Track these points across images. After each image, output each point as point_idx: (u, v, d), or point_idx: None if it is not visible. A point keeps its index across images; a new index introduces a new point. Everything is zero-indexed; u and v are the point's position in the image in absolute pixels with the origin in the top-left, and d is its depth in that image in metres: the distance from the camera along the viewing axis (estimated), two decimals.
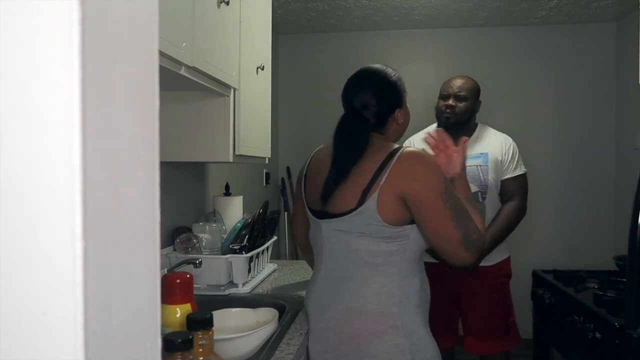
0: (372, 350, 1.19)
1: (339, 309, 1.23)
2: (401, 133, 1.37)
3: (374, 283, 1.21)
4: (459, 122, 2.12)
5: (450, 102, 2.12)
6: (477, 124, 2.23)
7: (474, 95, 2.16)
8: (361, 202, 1.19)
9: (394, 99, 1.30)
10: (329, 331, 1.24)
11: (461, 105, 2.12)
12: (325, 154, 1.34)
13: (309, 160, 1.41)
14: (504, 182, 2.15)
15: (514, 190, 2.15)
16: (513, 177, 2.15)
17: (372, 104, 1.26)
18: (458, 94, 2.12)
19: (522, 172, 2.18)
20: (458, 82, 2.15)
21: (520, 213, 2.15)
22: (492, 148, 2.15)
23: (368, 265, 1.21)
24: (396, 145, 1.25)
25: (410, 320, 1.21)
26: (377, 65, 1.32)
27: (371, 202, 1.17)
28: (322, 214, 1.28)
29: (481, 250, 1.20)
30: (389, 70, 1.31)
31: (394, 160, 1.19)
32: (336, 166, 1.25)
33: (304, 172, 1.40)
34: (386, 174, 1.18)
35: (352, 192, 1.21)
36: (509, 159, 2.15)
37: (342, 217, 1.22)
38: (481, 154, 2.14)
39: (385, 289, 1.21)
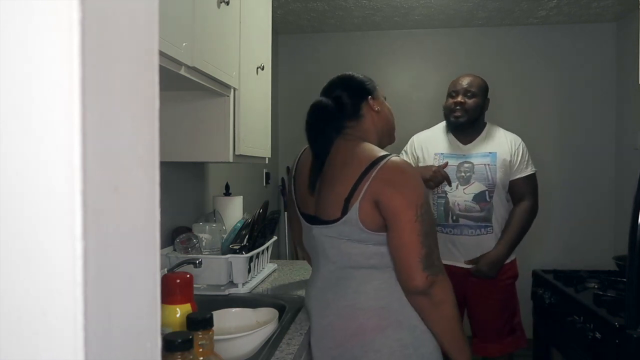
0: (376, 345, 1.20)
1: (343, 306, 1.24)
2: (384, 124, 1.36)
3: (374, 280, 1.22)
4: (469, 120, 2.11)
5: (460, 99, 2.10)
6: (485, 123, 2.21)
7: (482, 92, 2.14)
8: (344, 211, 1.19)
9: (363, 88, 1.34)
10: (333, 328, 1.25)
11: (470, 102, 2.10)
12: (309, 153, 1.35)
13: (296, 162, 1.42)
14: (514, 182, 2.14)
15: (525, 190, 2.14)
16: (523, 177, 2.14)
17: (341, 93, 1.31)
18: (467, 90, 2.10)
19: (532, 172, 2.17)
20: (466, 80, 2.14)
21: (532, 213, 2.15)
22: (500, 147, 2.14)
23: (364, 267, 1.23)
24: (382, 153, 1.22)
25: (412, 315, 1.22)
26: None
27: (353, 211, 1.18)
28: (313, 220, 1.29)
29: (431, 290, 1.17)
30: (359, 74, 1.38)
31: (376, 170, 1.17)
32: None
33: (293, 174, 1.41)
34: (367, 184, 1.17)
35: (336, 200, 1.21)
36: (519, 159, 2.14)
37: (329, 225, 1.23)
38: (490, 153, 2.13)
39: (385, 285, 1.22)
